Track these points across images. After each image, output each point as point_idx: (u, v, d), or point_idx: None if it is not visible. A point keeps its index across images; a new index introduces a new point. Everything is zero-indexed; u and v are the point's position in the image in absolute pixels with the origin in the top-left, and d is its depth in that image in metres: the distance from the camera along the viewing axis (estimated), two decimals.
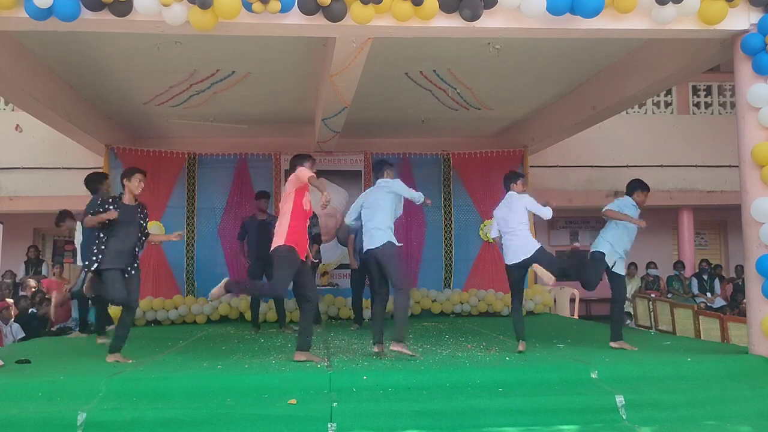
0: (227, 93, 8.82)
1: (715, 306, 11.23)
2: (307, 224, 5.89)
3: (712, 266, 12.40)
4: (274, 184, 10.48)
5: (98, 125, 9.59)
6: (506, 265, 6.26)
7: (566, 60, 7.87)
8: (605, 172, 12.37)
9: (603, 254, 6.29)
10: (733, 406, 4.74)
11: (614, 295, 6.36)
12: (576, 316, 10.58)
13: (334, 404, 4.48)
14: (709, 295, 11.74)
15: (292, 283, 5.83)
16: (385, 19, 5.34)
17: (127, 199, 5.97)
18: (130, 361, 5.79)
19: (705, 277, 11.97)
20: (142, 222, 6.03)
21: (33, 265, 11.57)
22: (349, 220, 6.41)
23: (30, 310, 9.26)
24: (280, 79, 8.41)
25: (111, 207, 5.84)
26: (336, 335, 7.93)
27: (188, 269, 10.24)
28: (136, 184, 5.96)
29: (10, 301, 9.15)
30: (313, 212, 8.10)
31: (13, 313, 8.86)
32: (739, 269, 11.95)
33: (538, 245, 6.15)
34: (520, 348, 6.08)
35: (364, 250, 6.14)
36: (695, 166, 12.52)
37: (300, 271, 5.76)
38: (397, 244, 5.97)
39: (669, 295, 11.54)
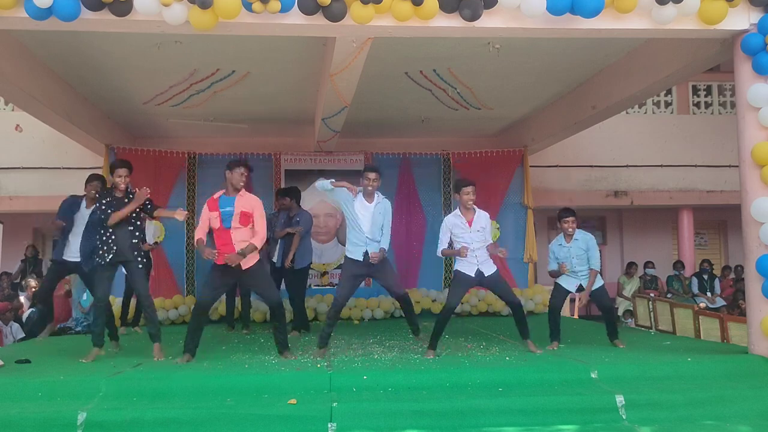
0: (227, 93, 8.81)
1: (715, 306, 11.23)
2: (226, 235, 5.88)
3: (712, 267, 12.38)
4: (274, 184, 10.46)
5: (98, 125, 9.58)
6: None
7: (566, 60, 7.86)
8: (605, 172, 12.40)
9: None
10: (732, 406, 4.74)
11: None
12: (576, 316, 10.59)
13: (334, 404, 4.49)
14: (709, 294, 11.73)
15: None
16: (385, 19, 5.34)
17: (119, 193, 5.99)
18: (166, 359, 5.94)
19: (705, 277, 11.97)
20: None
21: (31, 264, 11.55)
22: None
23: (31, 310, 9.26)
24: (280, 79, 8.40)
25: (104, 201, 5.93)
26: (336, 335, 7.90)
27: (188, 269, 10.22)
28: (116, 180, 5.98)
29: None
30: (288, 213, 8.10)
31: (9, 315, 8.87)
32: (740, 269, 11.95)
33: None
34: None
35: None
36: (695, 166, 12.53)
37: (242, 278, 5.93)
38: (349, 256, 6.16)
39: (669, 295, 11.55)
